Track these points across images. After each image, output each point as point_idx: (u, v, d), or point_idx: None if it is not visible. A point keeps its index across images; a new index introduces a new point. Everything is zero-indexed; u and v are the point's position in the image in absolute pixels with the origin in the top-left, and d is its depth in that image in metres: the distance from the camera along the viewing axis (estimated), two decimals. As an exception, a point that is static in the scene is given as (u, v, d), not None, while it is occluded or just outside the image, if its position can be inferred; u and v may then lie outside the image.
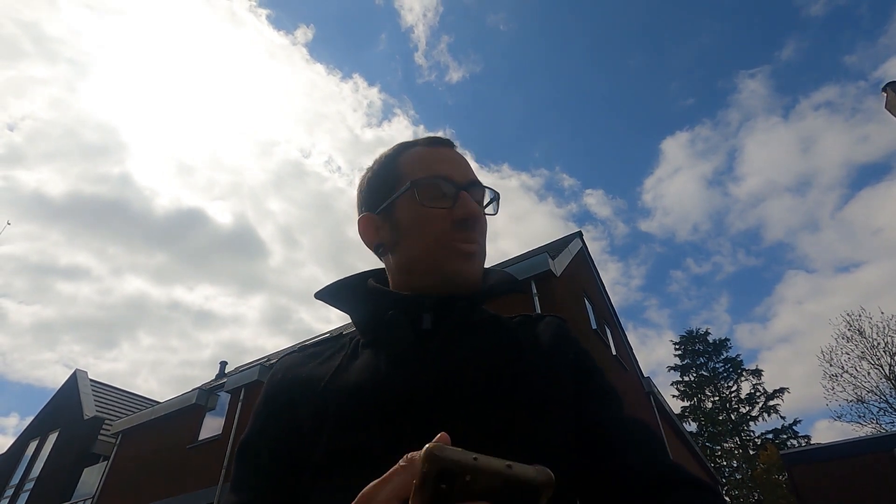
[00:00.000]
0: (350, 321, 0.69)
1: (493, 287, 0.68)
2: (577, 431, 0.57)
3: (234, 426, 10.75)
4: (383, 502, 0.29)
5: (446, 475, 0.25)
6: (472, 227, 0.63)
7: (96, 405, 15.26)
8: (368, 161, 0.75)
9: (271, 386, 0.65)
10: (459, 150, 0.71)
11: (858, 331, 17.25)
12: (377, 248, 0.69)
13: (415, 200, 0.62)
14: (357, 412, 0.55)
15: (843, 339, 17.43)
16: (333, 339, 0.70)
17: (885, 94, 9.03)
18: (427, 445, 0.26)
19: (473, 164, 0.72)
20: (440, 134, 0.73)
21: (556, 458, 0.52)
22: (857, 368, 16.88)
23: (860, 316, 17.41)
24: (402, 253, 0.65)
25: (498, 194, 0.70)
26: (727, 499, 22.94)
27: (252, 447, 0.60)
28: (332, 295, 0.69)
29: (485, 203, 0.68)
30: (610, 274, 57.22)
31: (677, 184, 53.32)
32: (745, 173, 47.13)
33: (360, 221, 0.69)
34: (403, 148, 0.69)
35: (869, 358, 16.77)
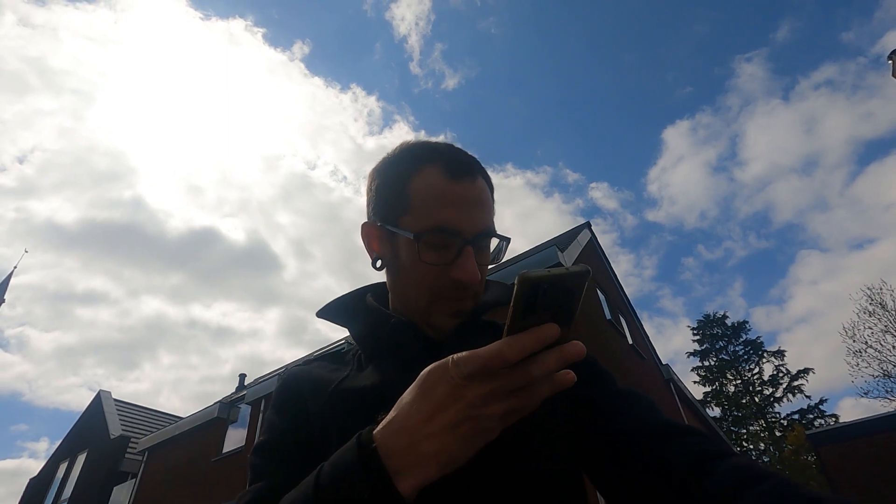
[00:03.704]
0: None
1: (493, 302, 0.69)
2: (574, 412, 0.60)
3: (257, 437, 10.84)
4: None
5: (533, 289, 0.34)
6: (467, 287, 0.62)
7: (122, 424, 15.50)
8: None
9: (280, 393, 0.67)
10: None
11: (881, 304, 16.87)
12: (375, 259, 0.68)
13: (416, 251, 0.60)
14: (369, 410, 0.56)
15: (865, 313, 17.06)
16: (338, 354, 0.73)
17: (892, 62, 8.85)
18: (519, 273, 0.34)
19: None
20: (441, 138, 0.69)
21: (561, 446, 0.58)
22: (882, 343, 16.50)
23: (881, 290, 17.05)
24: (397, 283, 0.66)
25: (508, 239, 0.66)
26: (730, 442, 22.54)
27: (267, 446, 0.62)
28: (332, 313, 0.71)
29: (491, 249, 0.66)
30: (622, 266, 56.87)
31: (682, 172, 53.05)
32: (749, 157, 46.70)
33: (362, 227, 0.69)
34: (420, 162, 0.63)
35: (893, 331, 16.39)
